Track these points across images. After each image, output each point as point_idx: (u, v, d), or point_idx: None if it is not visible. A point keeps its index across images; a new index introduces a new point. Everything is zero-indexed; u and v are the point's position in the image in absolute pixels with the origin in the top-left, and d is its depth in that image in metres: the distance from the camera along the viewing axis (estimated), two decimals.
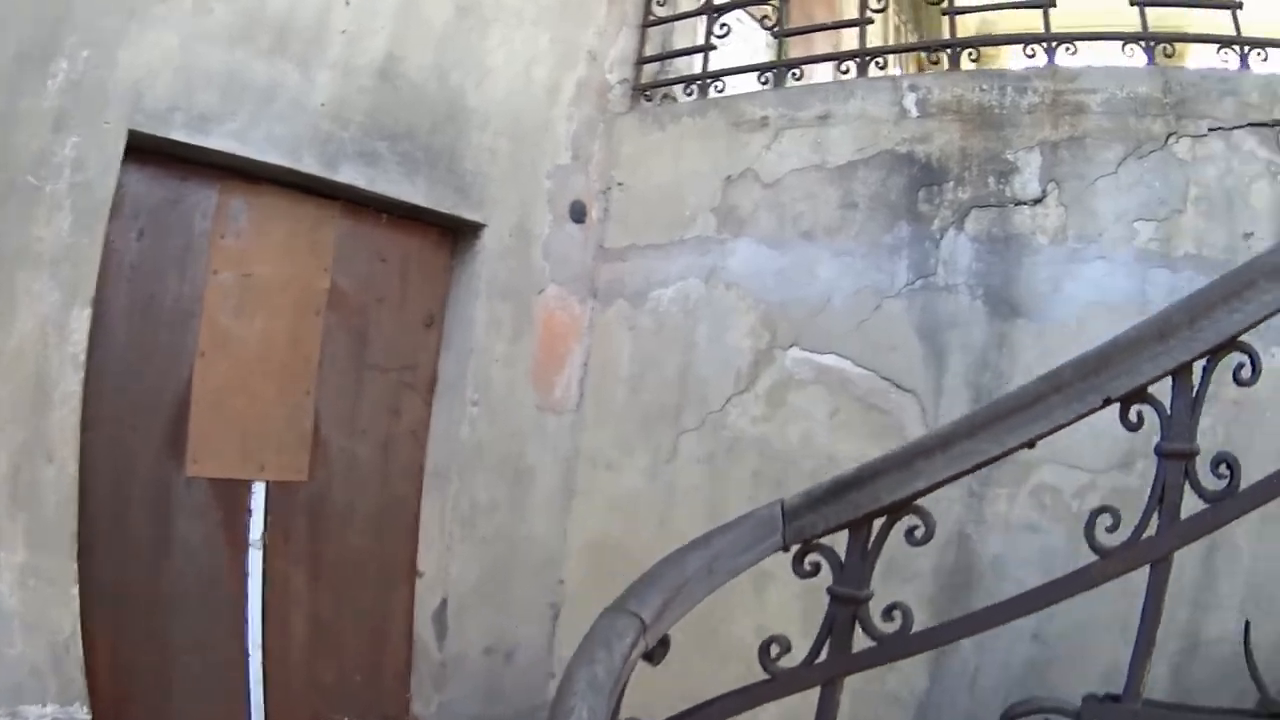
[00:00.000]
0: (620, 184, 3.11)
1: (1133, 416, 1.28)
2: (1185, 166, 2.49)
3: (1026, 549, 2.36)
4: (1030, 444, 1.30)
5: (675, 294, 2.92)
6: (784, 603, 2.47)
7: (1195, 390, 1.23)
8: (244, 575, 2.40)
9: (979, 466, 1.31)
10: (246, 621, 2.41)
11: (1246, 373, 1.21)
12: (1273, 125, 2.51)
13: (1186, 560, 2.15)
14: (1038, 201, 2.53)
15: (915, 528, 1.29)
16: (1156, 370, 1.24)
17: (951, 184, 2.60)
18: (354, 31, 2.54)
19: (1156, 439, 1.33)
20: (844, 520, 1.29)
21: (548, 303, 3.05)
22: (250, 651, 2.44)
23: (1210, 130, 2.52)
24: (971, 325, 2.51)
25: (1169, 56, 2.69)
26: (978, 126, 2.61)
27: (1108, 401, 1.27)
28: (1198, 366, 1.23)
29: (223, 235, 2.36)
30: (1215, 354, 1.22)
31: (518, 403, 2.95)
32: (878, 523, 1.29)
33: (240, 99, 2.26)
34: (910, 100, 2.71)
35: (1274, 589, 2.25)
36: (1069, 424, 1.30)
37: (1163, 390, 1.26)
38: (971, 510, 2.42)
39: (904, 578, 2.35)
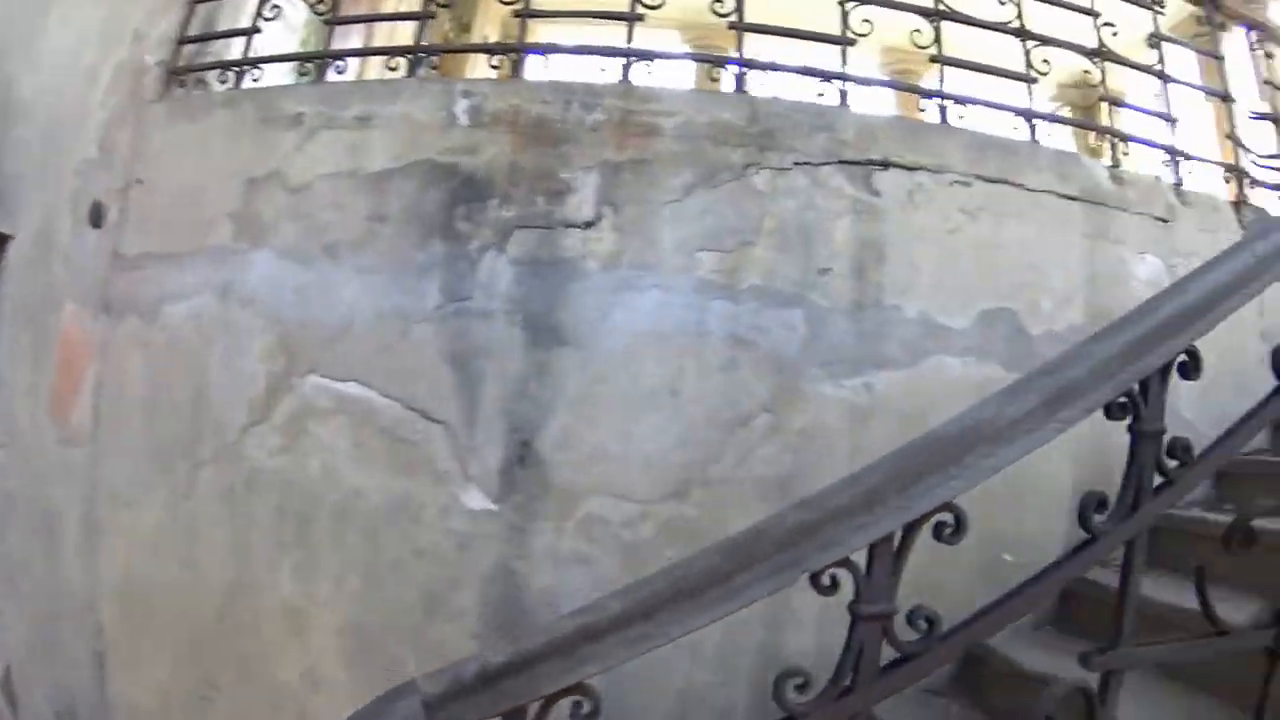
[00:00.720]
0: (140, 182, 3.01)
1: (825, 580, 1.32)
2: (763, 198, 2.70)
3: (579, 581, 2.54)
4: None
5: (189, 310, 2.86)
6: None
7: (897, 552, 1.30)
8: None
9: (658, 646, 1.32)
10: None
11: (949, 531, 1.29)
12: (864, 164, 2.80)
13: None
14: (590, 225, 2.66)
15: (580, 703, 1.32)
16: (862, 542, 1.29)
17: (496, 201, 2.69)
18: None
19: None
20: (500, 710, 1.29)
21: (65, 320, 2.94)
22: None
23: (796, 164, 2.76)
24: (509, 353, 2.62)
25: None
26: (534, 141, 2.73)
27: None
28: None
29: None
30: (924, 519, 1.29)
31: (42, 439, 2.89)
32: (535, 706, 1.30)
33: None
34: (462, 107, 2.80)
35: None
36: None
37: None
38: (515, 544, 2.57)
39: (448, 616, 2.58)
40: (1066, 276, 3.09)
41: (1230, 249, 1.56)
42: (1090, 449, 2.91)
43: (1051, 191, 3.11)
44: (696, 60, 3.09)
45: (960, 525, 1.28)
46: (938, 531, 1.28)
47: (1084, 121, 3.68)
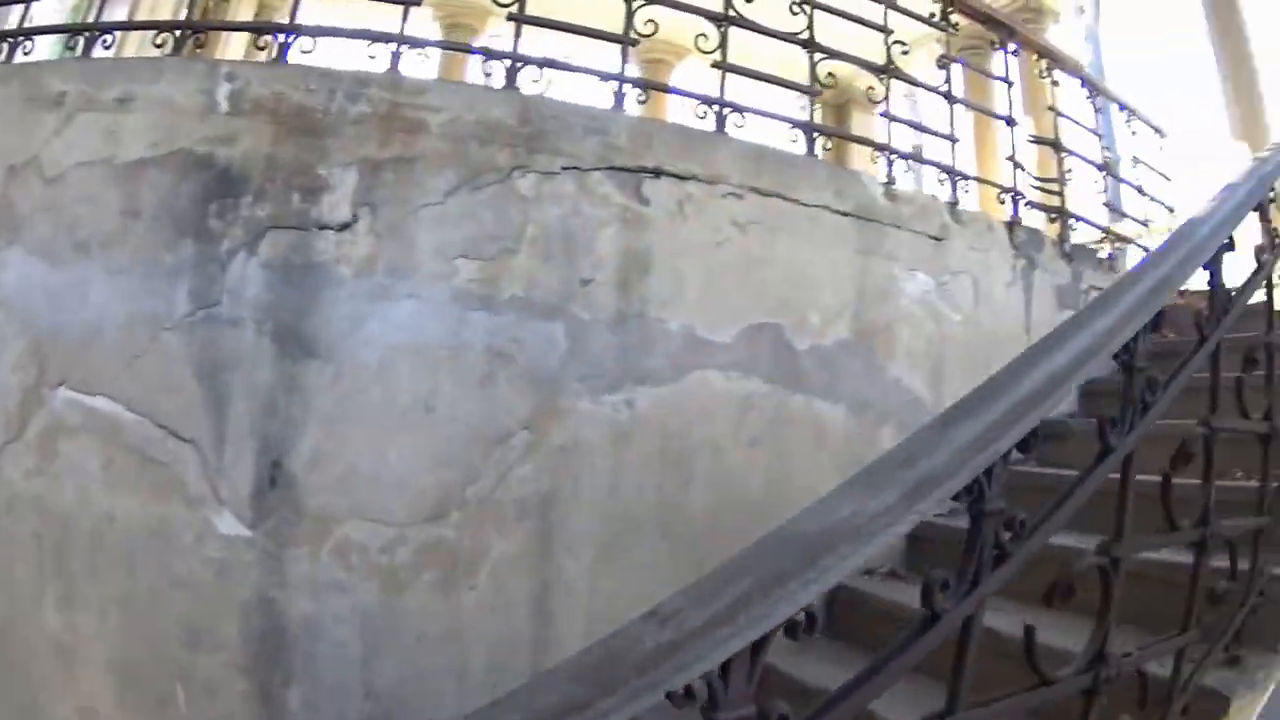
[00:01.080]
0: None
1: (681, 692, 1.29)
2: (527, 204, 2.86)
3: (339, 609, 2.65)
4: None
5: None
6: None
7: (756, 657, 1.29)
8: None
9: None
10: None
11: (804, 628, 1.32)
12: (635, 171, 3.02)
13: (518, 602, 2.82)
14: (346, 227, 2.72)
15: None
16: (724, 656, 1.27)
17: (251, 198, 2.70)
18: None
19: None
20: None
21: None
22: None
23: (564, 169, 2.93)
24: (258, 366, 2.63)
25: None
26: (293, 132, 2.75)
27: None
28: None
29: None
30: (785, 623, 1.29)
31: None
32: None
33: None
34: (224, 91, 2.79)
35: (614, 621, 2.81)
36: None
37: None
38: (272, 572, 2.62)
39: (212, 648, 2.61)
40: (836, 292, 3.47)
41: (1078, 322, 1.72)
42: (852, 464, 3.26)
43: (826, 207, 3.47)
44: (474, 54, 3.25)
45: (814, 621, 1.32)
46: (791, 630, 1.30)
47: (864, 138, 4.11)
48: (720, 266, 3.20)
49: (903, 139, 4.04)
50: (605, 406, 2.90)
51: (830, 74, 3.68)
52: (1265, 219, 2.34)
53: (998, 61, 4.48)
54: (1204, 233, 1.97)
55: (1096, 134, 4.79)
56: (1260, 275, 2.22)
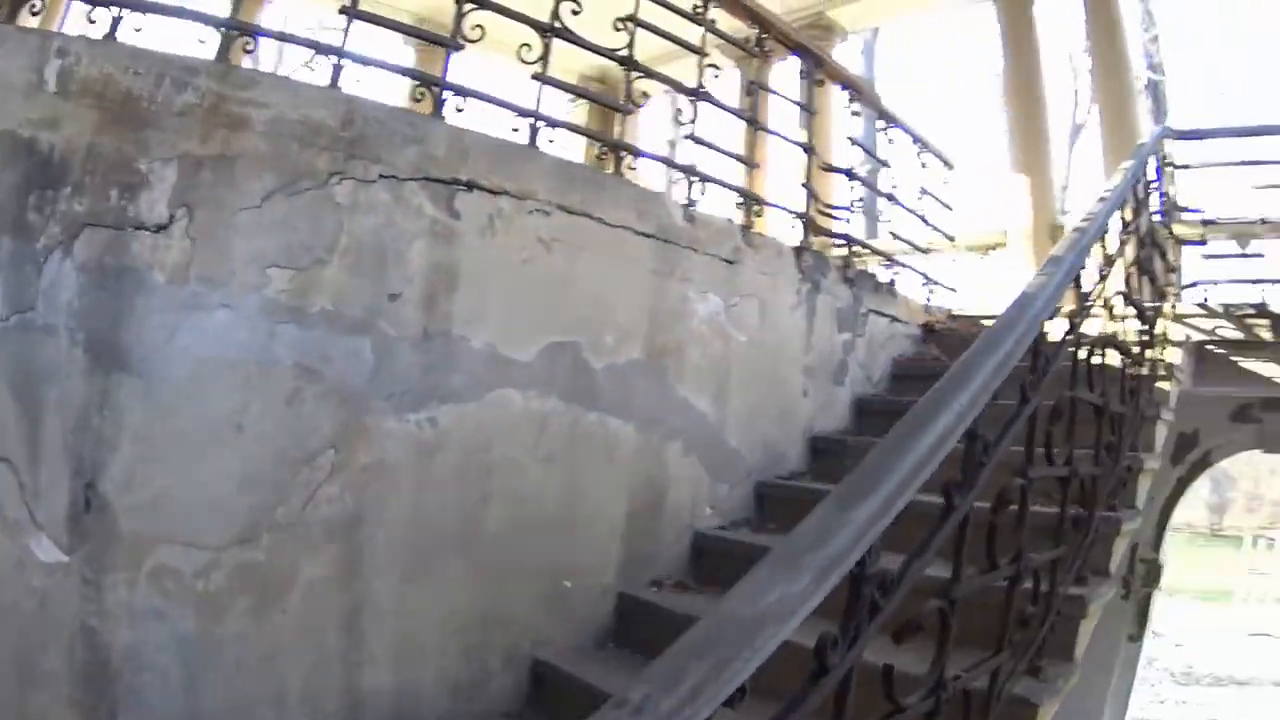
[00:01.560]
0: None
1: None
2: (342, 213, 3.22)
3: (159, 637, 2.88)
4: None
5: None
6: None
7: None
8: None
9: None
10: None
11: (740, 698, 1.53)
12: (449, 183, 3.48)
13: (329, 624, 3.21)
14: (162, 229, 2.88)
15: None
16: None
17: (70, 190, 2.81)
18: None
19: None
20: None
21: None
22: None
23: (381, 177, 3.33)
24: (71, 379, 2.78)
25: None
26: (118, 120, 2.88)
27: None
28: None
29: None
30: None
31: None
32: None
33: None
34: (53, 69, 2.86)
35: (424, 638, 3.44)
36: None
37: None
38: (91, 600, 2.80)
39: (40, 681, 2.77)
40: (631, 312, 4.15)
41: (938, 400, 2.16)
42: (642, 481, 4.08)
43: (629, 228, 4.13)
44: (299, 45, 3.55)
45: (744, 690, 1.52)
46: (731, 701, 1.50)
47: (666, 159, 4.78)
48: (525, 284, 3.78)
49: (660, 146, 4.68)
50: (410, 424, 3.39)
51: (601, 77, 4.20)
52: (1078, 286, 3.19)
53: (774, 79, 5.21)
54: (1037, 308, 2.62)
55: (885, 164, 5.69)
56: (1071, 335, 2.97)
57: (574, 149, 5.65)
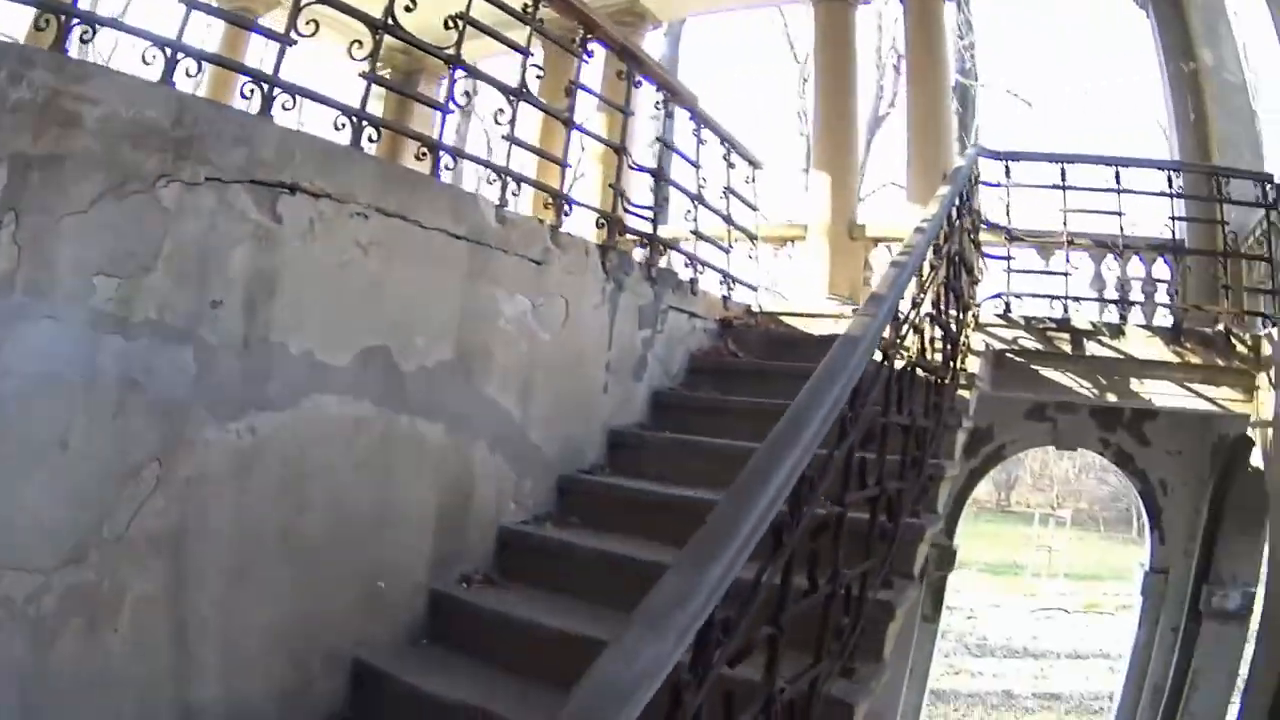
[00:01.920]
0: None
1: None
2: (168, 217, 3.42)
3: None
4: None
5: None
6: None
7: None
8: None
9: None
10: None
11: None
12: (274, 186, 3.76)
13: (159, 640, 3.47)
14: None
15: None
16: None
17: None
18: None
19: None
20: None
21: None
22: None
23: (208, 180, 3.55)
24: None
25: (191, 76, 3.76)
26: None
27: None
28: None
29: None
30: None
31: None
32: None
33: None
34: None
35: (250, 648, 3.77)
36: None
37: None
38: None
39: None
40: (443, 315, 4.60)
41: (774, 455, 2.56)
42: (451, 480, 4.60)
43: (443, 230, 4.57)
44: (135, 35, 3.68)
45: None
46: None
47: (484, 159, 5.25)
48: (343, 289, 4.14)
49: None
50: (230, 434, 3.69)
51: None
52: (895, 321, 3.70)
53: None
54: (860, 352, 3.11)
55: (695, 164, 6.36)
56: (886, 366, 3.47)
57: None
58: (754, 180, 7.36)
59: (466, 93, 4.70)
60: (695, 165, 6.58)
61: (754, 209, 7.32)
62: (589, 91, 5.68)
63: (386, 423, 4.33)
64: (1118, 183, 7.14)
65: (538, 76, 5.11)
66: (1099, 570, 27.59)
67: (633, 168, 6.08)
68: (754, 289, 7.67)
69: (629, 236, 6.15)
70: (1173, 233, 7.47)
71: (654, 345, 6.09)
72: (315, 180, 3.97)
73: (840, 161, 9.69)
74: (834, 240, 9.46)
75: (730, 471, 4.68)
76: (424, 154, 4.64)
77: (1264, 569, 7.02)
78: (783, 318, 7.55)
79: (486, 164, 5.04)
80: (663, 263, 6.36)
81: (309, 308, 3.99)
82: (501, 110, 4.98)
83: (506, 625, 4.26)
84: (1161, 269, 8.15)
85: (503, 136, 5.02)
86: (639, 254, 6.14)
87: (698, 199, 6.58)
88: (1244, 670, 9.04)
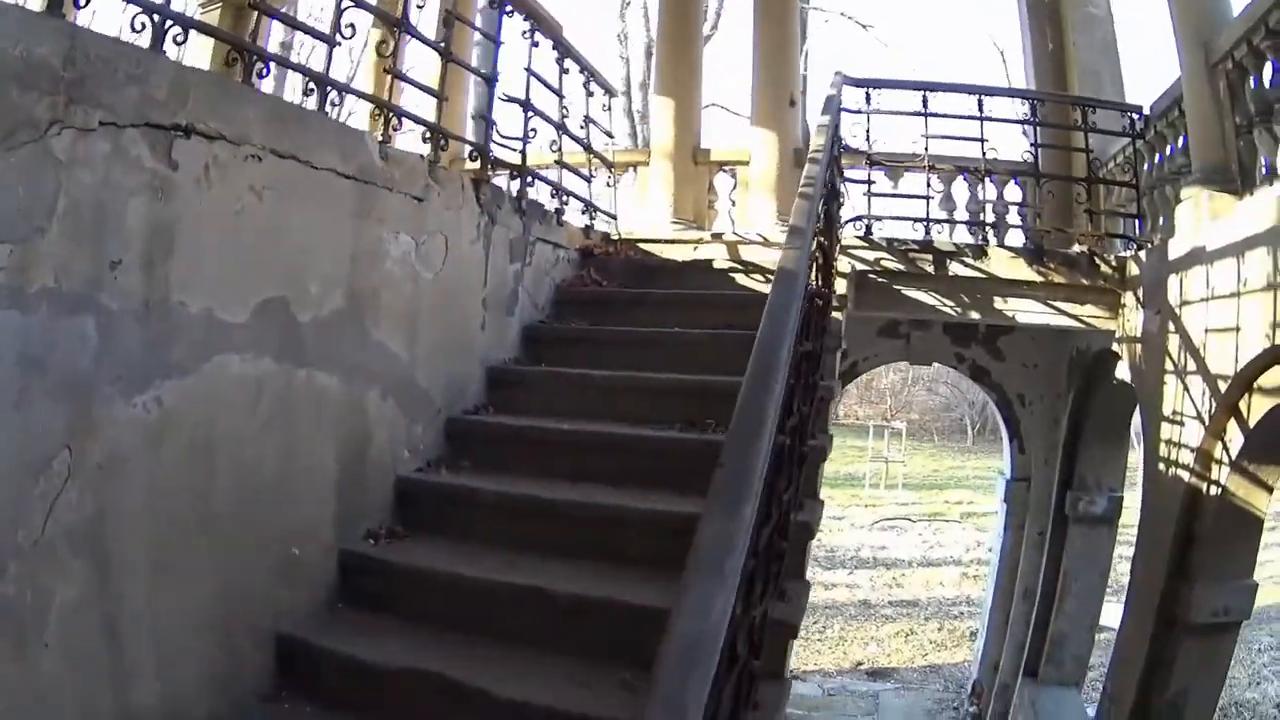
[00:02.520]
0: None
1: None
2: (60, 169, 2.99)
3: None
4: None
5: None
6: None
7: None
8: None
9: None
10: None
11: None
12: (169, 129, 3.36)
13: (92, 646, 3.15)
14: None
15: None
16: None
17: None
18: None
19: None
20: None
21: None
22: None
23: (101, 124, 3.12)
24: None
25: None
26: None
27: None
28: None
29: None
30: None
31: None
32: None
33: None
34: None
35: (180, 635, 3.47)
36: None
37: None
38: None
39: None
40: (334, 259, 4.26)
41: (763, 408, 2.52)
42: (348, 432, 4.33)
43: (333, 170, 4.20)
44: None
45: None
46: None
47: (373, 96, 4.87)
48: (239, 239, 3.76)
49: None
50: (138, 409, 3.31)
51: None
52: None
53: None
54: (799, 283, 3.22)
55: (560, 94, 6.10)
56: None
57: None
58: (609, 108, 7.13)
59: (351, 25, 4.21)
60: (559, 95, 6.30)
61: (610, 136, 7.10)
62: (466, 23, 5.34)
63: (287, 378, 4.01)
64: (980, 110, 7.26)
65: (419, 6, 4.70)
66: (938, 480, 28.66)
67: (502, 98, 5.74)
68: (613, 217, 7.49)
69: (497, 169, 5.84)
70: (1035, 157, 7.61)
71: (524, 278, 5.87)
72: (209, 121, 3.57)
73: (684, 86, 9.50)
74: (678, 165, 9.31)
75: (610, 402, 4.88)
76: (311, 89, 4.22)
77: (1140, 474, 7.37)
78: (640, 244, 7.40)
79: (373, 99, 4.66)
80: (531, 193, 6.10)
81: (207, 262, 3.62)
82: (385, 41, 4.60)
83: (422, 580, 4.10)
84: (1020, 194, 8.53)
85: (384, 70, 4.66)
86: (505, 184, 5.85)
87: (561, 127, 6.32)
88: (1117, 571, 9.64)
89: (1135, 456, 9.42)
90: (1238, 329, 5.27)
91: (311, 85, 4.26)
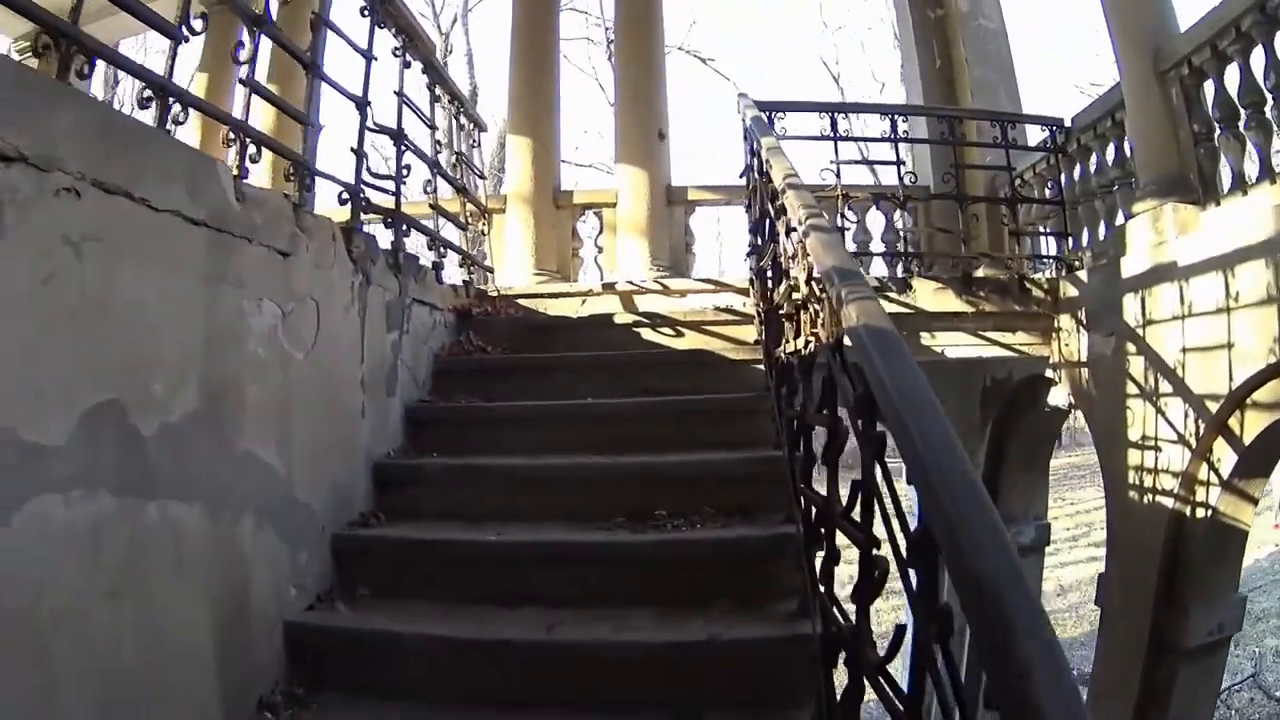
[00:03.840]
0: None
1: None
2: None
3: None
4: None
5: None
6: None
7: None
8: None
9: None
10: None
11: None
12: None
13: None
14: None
15: None
16: None
17: None
18: None
19: None
20: None
21: None
22: None
23: None
24: None
25: None
26: None
27: None
28: None
29: None
30: None
31: None
32: None
33: None
34: None
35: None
36: None
37: None
38: None
39: None
40: (183, 343, 2.82)
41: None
42: (220, 580, 2.88)
43: (179, 213, 2.80)
44: None
45: None
46: None
47: (218, 110, 3.42)
48: (49, 317, 2.31)
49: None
50: None
51: None
52: None
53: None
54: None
55: (432, 125, 4.74)
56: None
57: None
58: (478, 145, 5.77)
59: (204, 15, 2.79)
60: (431, 126, 4.89)
61: (483, 177, 5.74)
62: (335, 31, 3.91)
63: (133, 520, 2.54)
64: (893, 131, 6.39)
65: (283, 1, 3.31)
66: None
67: (373, 128, 4.30)
68: (490, 270, 6.10)
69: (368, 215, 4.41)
70: (958, 182, 6.70)
71: (402, 349, 4.47)
72: (5, 132, 2.15)
73: (542, 125, 8.06)
74: (538, 210, 7.86)
75: (522, 495, 3.96)
76: (149, 98, 2.77)
77: (1102, 496, 6.53)
78: (521, 300, 6.07)
79: (225, 119, 3.21)
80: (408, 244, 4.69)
81: (6, 356, 2.17)
82: (241, 44, 3.19)
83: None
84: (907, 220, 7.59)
85: (240, 80, 3.22)
86: (383, 238, 4.44)
87: (435, 165, 4.92)
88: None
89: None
90: (1230, 345, 4.64)
91: (149, 93, 2.77)
